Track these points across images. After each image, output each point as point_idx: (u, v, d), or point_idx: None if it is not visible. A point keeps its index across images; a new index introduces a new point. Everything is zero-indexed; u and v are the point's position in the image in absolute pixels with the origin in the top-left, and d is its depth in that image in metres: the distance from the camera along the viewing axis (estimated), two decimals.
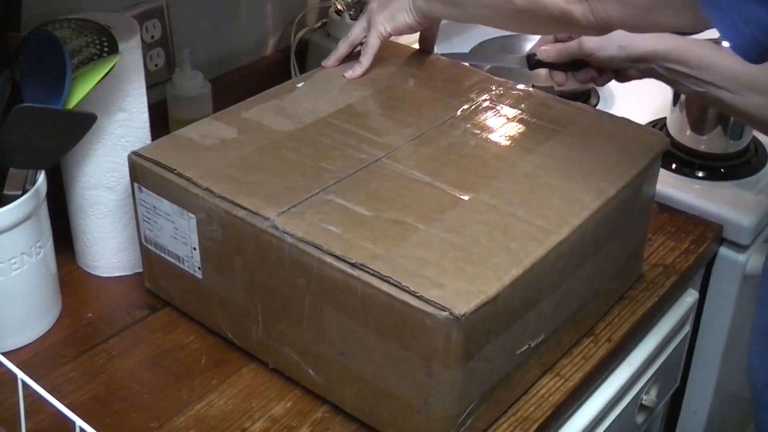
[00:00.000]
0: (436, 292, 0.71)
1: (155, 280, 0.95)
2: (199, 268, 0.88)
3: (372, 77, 1.04)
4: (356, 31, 1.06)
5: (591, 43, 1.02)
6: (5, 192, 0.85)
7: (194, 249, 0.87)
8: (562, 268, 0.81)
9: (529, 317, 0.79)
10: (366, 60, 1.04)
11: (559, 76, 1.07)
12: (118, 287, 0.98)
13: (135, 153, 0.89)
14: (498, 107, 0.98)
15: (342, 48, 1.06)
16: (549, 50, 1.06)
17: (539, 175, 0.86)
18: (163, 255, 0.91)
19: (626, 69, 1.04)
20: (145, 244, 0.93)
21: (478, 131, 0.93)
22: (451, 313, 0.69)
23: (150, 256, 0.93)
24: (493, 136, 0.93)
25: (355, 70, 1.04)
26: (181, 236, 0.87)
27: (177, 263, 0.90)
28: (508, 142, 0.92)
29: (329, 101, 0.98)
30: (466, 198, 0.82)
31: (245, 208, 0.81)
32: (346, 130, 0.92)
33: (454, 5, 0.99)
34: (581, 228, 0.81)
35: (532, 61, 1.08)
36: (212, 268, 0.86)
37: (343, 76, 1.04)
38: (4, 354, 0.77)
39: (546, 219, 0.80)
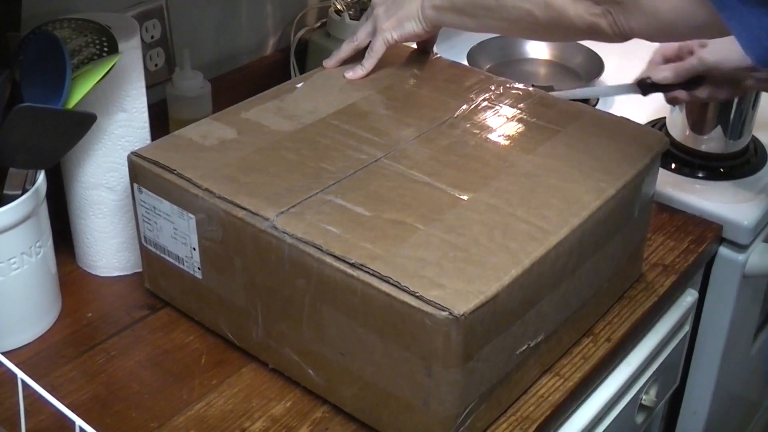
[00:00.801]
0: (435, 292, 0.71)
1: (155, 280, 0.95)
2: (198, 269, 0.88)
3: (372, 77, 1.04)
4: (361, 35, 1.05)
5: (713, 56, 1.01)
6: (5, 192, 0.85)
7: (194, 249, 0.87)
8: (562, 268, 0.81)
9: (529, 317, 0.79)
10: (369, 64, 1.03)
11: (682, 93, 1.06)
12: (118, 287, 0.98)
13: (134, 153, 0.89)
14: (498, 107, 0.98)
15: (345, 50, 1.06)
16: (665, 71, 1.05)
17: (539, 175, 0.87)
18: (162, 255, 0.91)
19: (744, 80, 1.03)
20: (144, 244, 0.93)
21: (478, 131, 0.93)
22: (450, 313, 0.69)
23: (150, 257, 0.93)
24: (492, 136, 0.93)
25: (357, 72, 1.03)
26: (180, 236, 0.87)
27: (177, 263, 0.90)
28: (507, 142, 0.92)
29: (329, 102, 0.98)
30: (465, 198, 0.83)
31: (245, 209, 0.80)
32: (345, 131, 0.92)
33: (469, 16, 0.97)
34: (581, 228, 0.81)
35: (646, 85, 1.06)
36: (212, 268, 0.86)
37: (344, 76, 1.03)
38: (4, 354, 0.77)
39: (546, 219, 0.80)
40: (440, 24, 1.02)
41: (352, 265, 0.74)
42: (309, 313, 0.79)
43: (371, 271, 0.73)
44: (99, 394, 0.84)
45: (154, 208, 0.88)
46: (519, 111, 0.97)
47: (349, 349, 0.78)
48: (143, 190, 0.89)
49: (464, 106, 0.98)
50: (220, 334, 0.90)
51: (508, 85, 1.03)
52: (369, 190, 0.83)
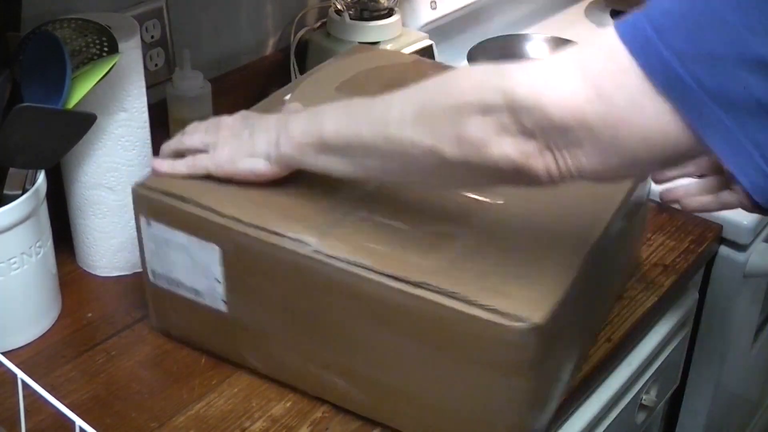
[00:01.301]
0: (506, 303, 0.68)
1: (166, 317, 0.88)
2: (223, 301, 0.82)
3: (360, 83, 0.99)
4: (195, 141, 0.84)
5: None
6: (5, 192, 0.85)
7: (218, 281, 0.81)
8: (593, 269, 0.79)
9: (577, 319, 0.78)
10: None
11: None
12: (118, 287, 0.98)
13: (140, 185, 0.82)
14: None
15: (171, 146, 0.86)
16: None
17: None
18: (176, 290, 0.85)
19: None
20: (152, 280, 0.86)
21: None
22: (528, 323, 0.67)
23: (159, 294, 0.87)
24: None
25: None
26: (200, 269, 0.81)
27: (195, 298, 0.84)
28: None
29: None
30: (501, 202, 0.80)
31: (281, 234, 0.76)
32: None
33: (344, 156, 0.74)
34: (609, 225, 0.80)
35: None
36: (240, 299, 0.81)
37: (335, 89, 0.97)
38: (4, 354, 0.77)
39: (580, 218, 0.79)
40: (299, 167, 0.79)
41: (413, 283, 0.71)
42: (361, 337, 0.76)
43: (434, 288, 0.70)
44: (99, 394, 0.84)
45: (166, 240, 0.82)
46: None
47: (406, 369, 0.75)
48: (153, 223, 0.82)
49: None
50: (246, 365, 0.85)
51: None
52: (400, 202, 0.80)
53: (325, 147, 0.75)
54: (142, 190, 0.82)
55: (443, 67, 1.07)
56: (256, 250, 0.78)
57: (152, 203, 0.82)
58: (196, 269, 0.82)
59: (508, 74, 0.64)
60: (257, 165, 0.80)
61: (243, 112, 0.86)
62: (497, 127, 0.63)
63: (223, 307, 0.83)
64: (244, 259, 0.79)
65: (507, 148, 0.63)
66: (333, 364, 0.79)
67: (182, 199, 0.80)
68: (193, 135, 0.85)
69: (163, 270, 0.84)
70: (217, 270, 0.80)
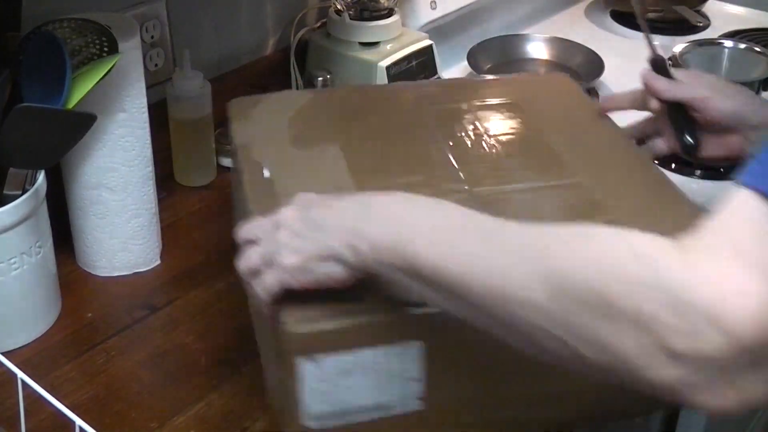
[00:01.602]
0: None
1: None
2: (419, 399, 0.73)
3: (323, 126, 0.93)
4: (254, 259, 0.70)
5: None
6: (5, 192, 0.85)
7: (416, 380, 0.72)
8: None
9: None
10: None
11: None
12: (118, 287, 0.98)
13: (294, 323, 0.69)
14: (461, 105, 0.96)
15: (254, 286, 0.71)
16: None
17: (578, 146, 0.89)
18: (349, 421, 0.73)
19: None
20: (314, 426, 0.72)
21: (482, 131, 0.92)
22: None
23: None
24: (497, 131, 0.92)
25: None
26: (391, 378, 0.72)
27: (377, 415, 0.73)
28: (515, 130, 0.92)
29: (330, 169, 0.85)
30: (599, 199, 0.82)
31: None
32: (398, 183, 0.78)
33: (440, 293, 0.61)
34: None
35: None
36: (441, 387, 0.74)
37: (293, 143, 0.89)
38: (4, 354, 0.77)
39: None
40: (376, 273, 0.65)
41: None
42: None
43: None
44: (99, 394, 0.84)
45: (344, 371, 0.70)
46: (467, 100, 0.97)
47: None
48: (323, 359, 0.69)
49: (436, 123, 0.93)
50: None
51: (436, 82, 1.03)
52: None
53: (418, 276, 0.61)
54: (301, 327, 0.69)
55: (353, 90, 1.05)
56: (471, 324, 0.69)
57: (321, 335, 0.69)
58: (386, 380, 0.72)
59: (670, 276, 0.49)
60: (335, 271, 0.67)
61: (300, 201, 0.70)
62: (659, 348, 0.49)
63: (417, 406, 0.74)
64: (452, 341, 0.71)
65: (670, 376, 0.49)
66: (550, 397, 0.77)
67: (362, 312, 0.69)
68: (249, 255, 0.70)
69: (333, 407, 0.72)
70: (414, 368, 0.72)
